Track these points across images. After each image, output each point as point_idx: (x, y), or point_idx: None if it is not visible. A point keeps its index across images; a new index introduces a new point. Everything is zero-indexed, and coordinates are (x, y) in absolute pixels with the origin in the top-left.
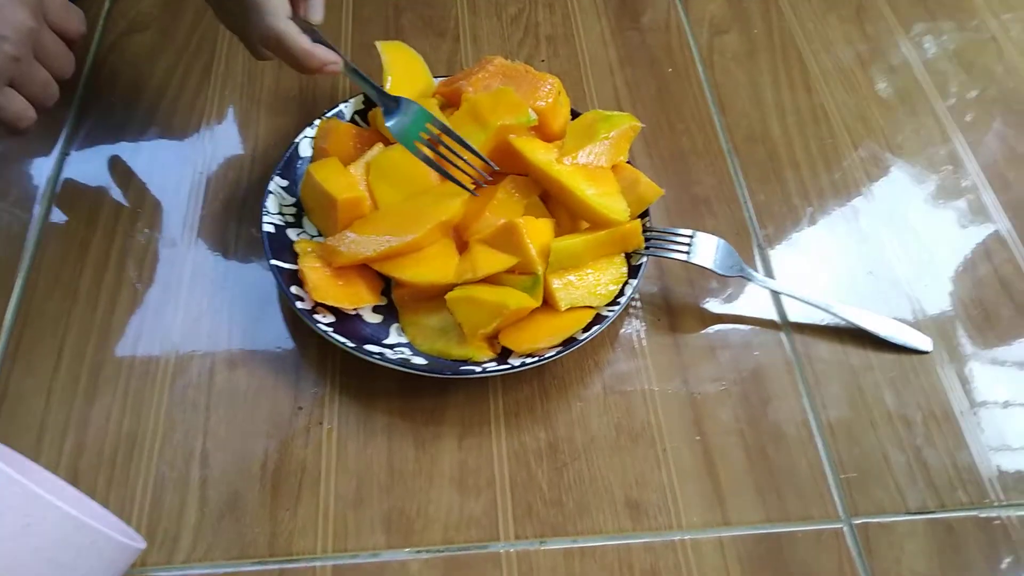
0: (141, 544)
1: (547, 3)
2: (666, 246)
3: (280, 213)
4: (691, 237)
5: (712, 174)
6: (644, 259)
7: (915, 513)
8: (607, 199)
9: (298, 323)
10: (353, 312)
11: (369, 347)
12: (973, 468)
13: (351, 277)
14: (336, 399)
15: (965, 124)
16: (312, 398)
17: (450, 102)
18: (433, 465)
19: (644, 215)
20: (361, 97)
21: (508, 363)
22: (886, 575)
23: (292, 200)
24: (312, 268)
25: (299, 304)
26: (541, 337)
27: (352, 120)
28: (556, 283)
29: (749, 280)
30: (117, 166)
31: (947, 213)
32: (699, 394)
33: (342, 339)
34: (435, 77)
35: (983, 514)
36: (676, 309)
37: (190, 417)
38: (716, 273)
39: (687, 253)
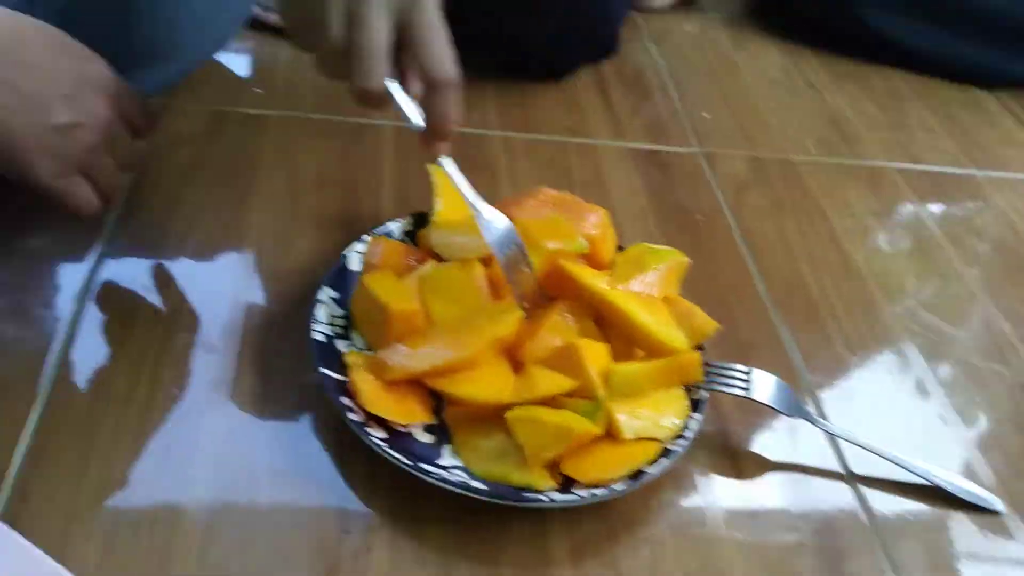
0: None
1: (579, 150)
2: (725, 380)
3: (329, 323)
4: (748, 373)
5: (753, 319)
6: (705, 392)
7: None
8: (666, 327)
9: (344, 440)
10: (404, 429)
11: (424, 467)
12: None
13: (403, 392)
14: (386, 524)
15: (991, 286)
16: (360, 522)
17: None
18: None
19: (699, 349)
20: (410, 218)
21: (575, 493)
22: None
23: (341, 312)
24: (365, 379)
25: (351, 416)
26: (608, 467)
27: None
28: (620, 411)
29: (809, 421)
30: (157, 272)
31: (990, 370)
32: (772, 545)
33: (398, 455)
34: None
35: None
36: (735, 448)
37: (227, 536)
38: (777, 411)
39: (746, 389)
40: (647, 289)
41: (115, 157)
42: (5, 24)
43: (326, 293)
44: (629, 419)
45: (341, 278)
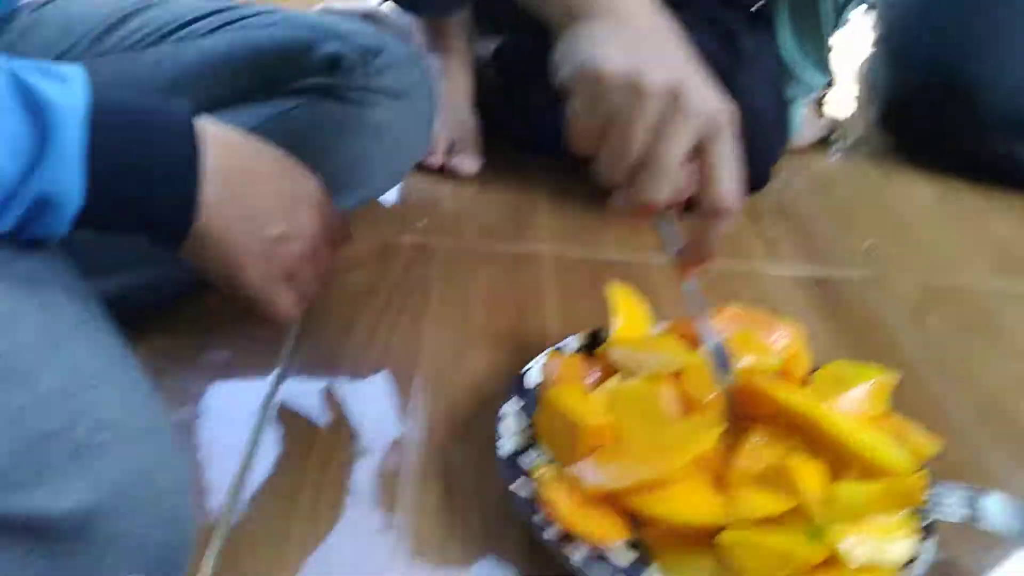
0: None
1: (740, 277)
2: (951, 506)
3: (514, 438)
4: (974, 496)
5: (953, 440)
6: (932, 519)
7: None
8: (887, 447)
9: (535, 559)
10: (601, 549)
11: None
12: None
13: (596, 510)
14: None
15: None
16: None
17: (687, 342)
18: None
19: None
20: (586, 335)
21: None
22: None
23: (524, 425)
24: (559, 495)
25: (546, 535)
26: None
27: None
28: (844, 535)
29: None
30: (332, 393)
31: None
32: None
33: None
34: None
35: None
36: None
37: None
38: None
39: (975, 515)
40: (855, 407)
41: (316, 267)
42: (247, 146)
43: (512, 406)
44: (856, 546)
45: (522, 393)
